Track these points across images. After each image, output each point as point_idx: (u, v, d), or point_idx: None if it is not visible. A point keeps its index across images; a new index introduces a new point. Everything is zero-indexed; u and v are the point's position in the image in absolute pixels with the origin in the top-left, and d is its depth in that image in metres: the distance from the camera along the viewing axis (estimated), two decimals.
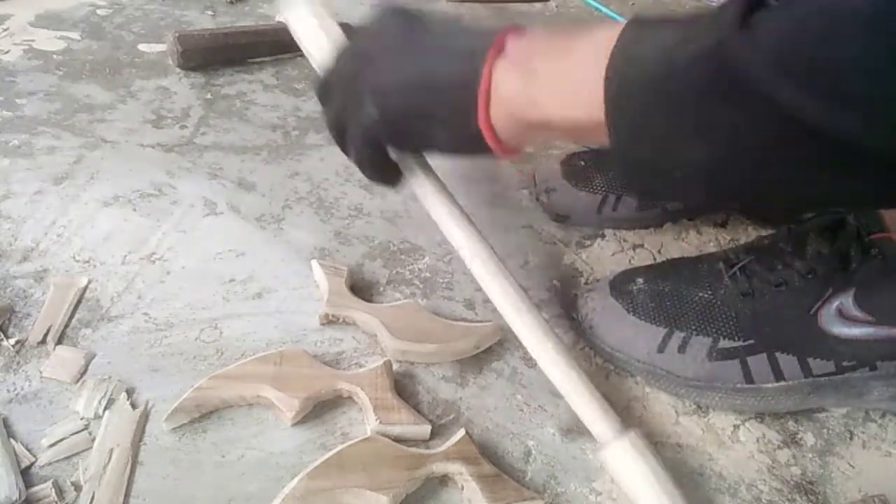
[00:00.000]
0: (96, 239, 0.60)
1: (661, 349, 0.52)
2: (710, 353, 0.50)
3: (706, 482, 0.47)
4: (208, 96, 0.84)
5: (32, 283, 0.55)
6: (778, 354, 0.50)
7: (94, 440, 0.45)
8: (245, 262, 0.60)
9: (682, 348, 0.51)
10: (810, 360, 0.50)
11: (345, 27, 0.54)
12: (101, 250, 0.59)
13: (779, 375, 0.50)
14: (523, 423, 0.50)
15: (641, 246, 0.67)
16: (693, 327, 0.51)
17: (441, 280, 0.61)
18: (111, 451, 0.44)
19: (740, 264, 0.52)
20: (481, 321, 0.56)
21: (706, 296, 0.52)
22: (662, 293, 0.53)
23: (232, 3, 1.10)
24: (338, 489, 0.41)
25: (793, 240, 0.52)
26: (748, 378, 0.50)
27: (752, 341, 0.50)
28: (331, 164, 0.74)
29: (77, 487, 0.42)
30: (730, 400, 0.51)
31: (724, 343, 0.50)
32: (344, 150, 0.50)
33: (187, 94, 0.84)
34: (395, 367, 0.51)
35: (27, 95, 0.79)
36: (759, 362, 0.50)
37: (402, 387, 0.51)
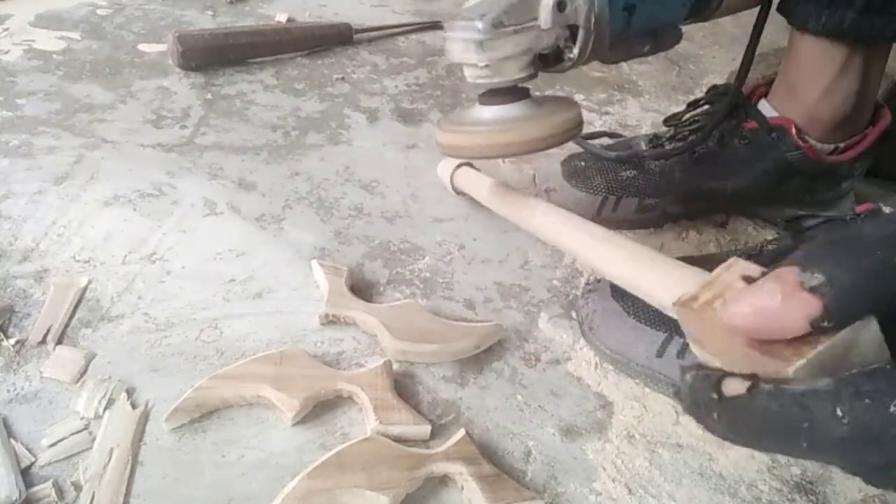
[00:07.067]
0: (96, 239, 0.60)
1: (659, 354, 0.52)
2: None
3: (706, 482, 0.47)
4: (208, 96, 0.84)
5: (32, 283, 0.55)
6: None
7: (94, 440, 0.45)
8: (245, 262, 0.60)
9: (680, 354, 0.51)
10: None
11: None
12: (101, 250, 0.59)
13: None
14: (523, 423, 0.50)
15: None
16: None
17: (441, 280, 0.61)
18: (111, 451, 0.44)
19: None
20: (481, 321, 0.56)
21: None
22: None
23: (232, 3, 1.10)
24: (338, 489, 0.41)
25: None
26: None
27: None
28: (331, 164, 0.74)
29: (77, 487, 0.42)
30: None
31: None
32: None
33: (187, 94, 0.84)
34: (395, 367, 0.51)
35: (27, 95, 0.79)
36: None
37: (402, 387, 0.51)
